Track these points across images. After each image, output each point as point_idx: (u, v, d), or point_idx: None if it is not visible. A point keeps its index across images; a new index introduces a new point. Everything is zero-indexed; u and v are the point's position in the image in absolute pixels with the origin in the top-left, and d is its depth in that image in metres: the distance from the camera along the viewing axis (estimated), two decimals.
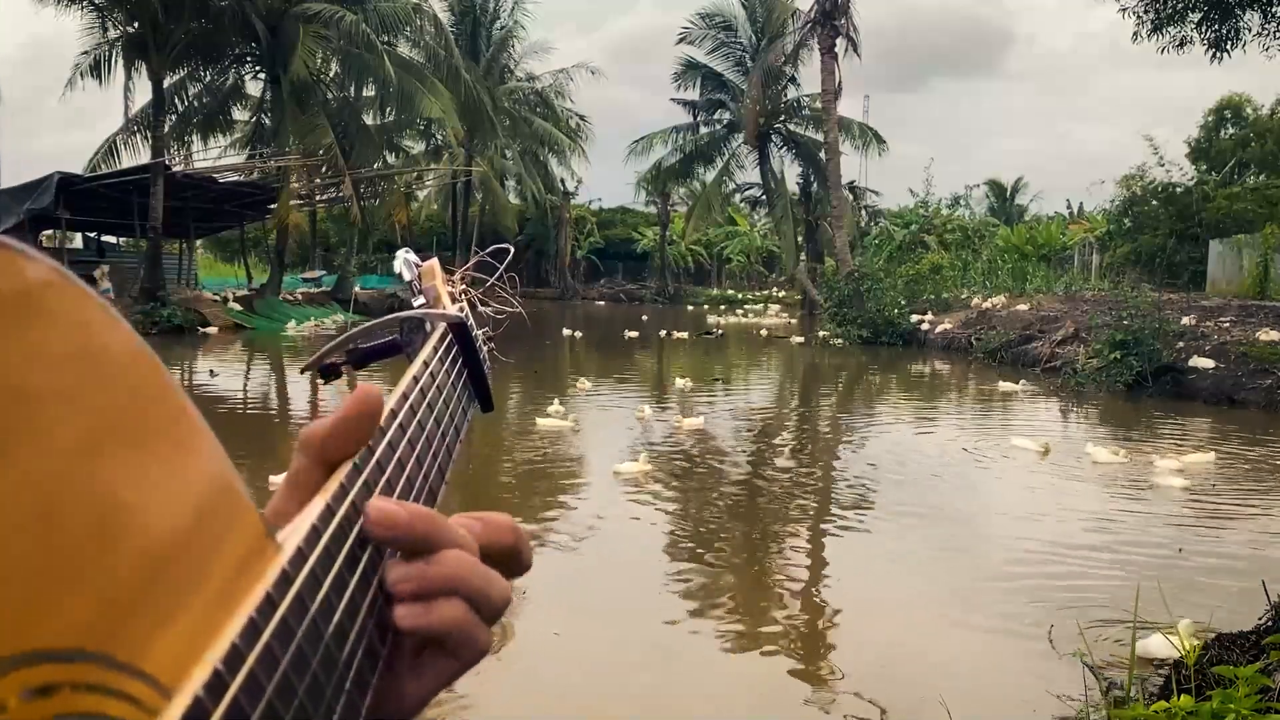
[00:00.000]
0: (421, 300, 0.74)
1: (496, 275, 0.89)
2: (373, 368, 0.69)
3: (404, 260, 0.79)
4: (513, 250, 0.91)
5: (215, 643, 0.26)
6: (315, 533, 0.33)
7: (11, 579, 0.22)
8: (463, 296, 0.78)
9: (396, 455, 0.43)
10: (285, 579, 0.30)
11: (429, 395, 0.53)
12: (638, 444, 8.08)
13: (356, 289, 29.30)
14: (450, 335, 0.65)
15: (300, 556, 0.31)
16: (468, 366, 0.66)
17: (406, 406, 0.48)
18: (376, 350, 0.68)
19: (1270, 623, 3.23)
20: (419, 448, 0.47)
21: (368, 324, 0.68)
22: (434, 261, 0.79)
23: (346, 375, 0.68)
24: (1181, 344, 12.69)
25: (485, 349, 0.71)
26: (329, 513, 0.34)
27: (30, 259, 0.24)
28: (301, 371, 0.66)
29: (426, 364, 0.56)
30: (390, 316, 0.68)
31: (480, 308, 0.82)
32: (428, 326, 0.67)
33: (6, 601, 0.21)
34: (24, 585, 0.22)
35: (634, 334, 22.91)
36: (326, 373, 0.66)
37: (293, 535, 0.32)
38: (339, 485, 0.36)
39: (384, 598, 0.36)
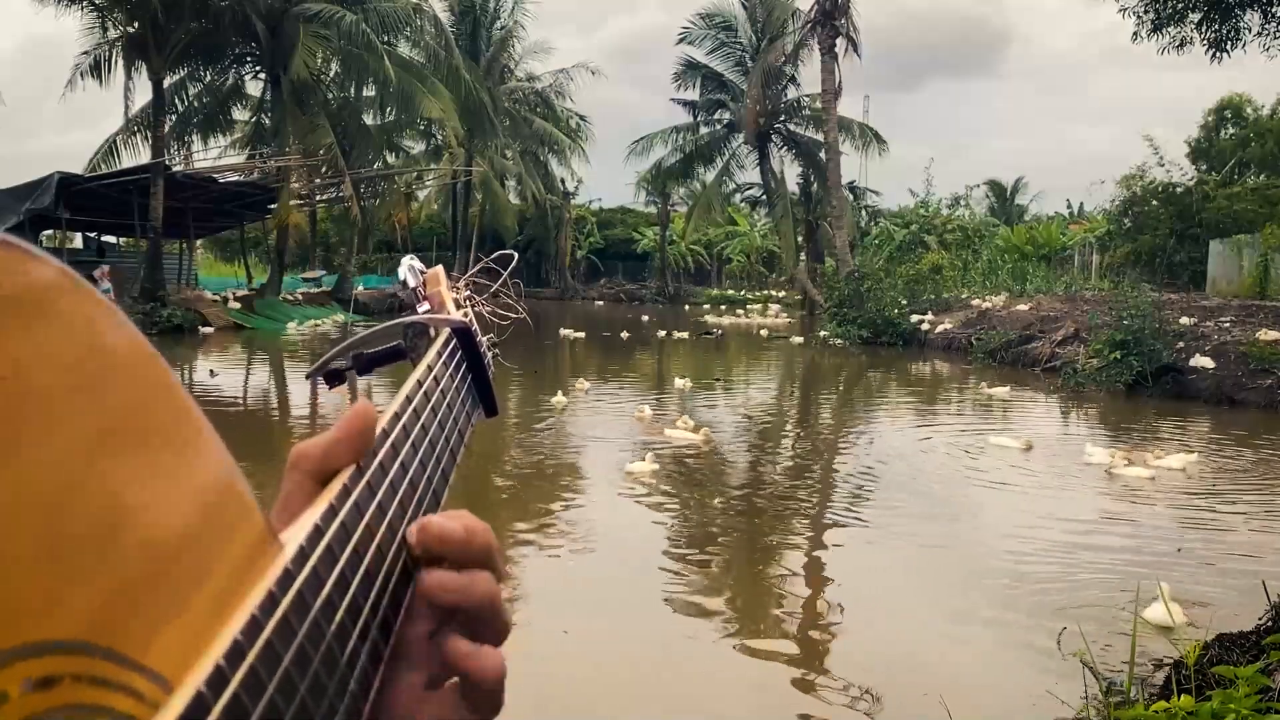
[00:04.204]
0: (426, 306, 0.74)
1: (500, 281, 0.89)
2: (377, 372, 0.70)
3: (408, 267, 0.79)
4: (516, 256, 0.92)
5: (217, 639, 0.26)
6: (318, 532, 0.33)
7: (15, 572, 0.22)
8: (467, 302, 0.78)
9: (400, 458, 0.43)
10: (288, 577, 0.30)
11: (432, 399, 0.54)
12: (640, 444, 8.09)
13: (358, 289, 29.30)
14: (454, 340, 0.65)
15: (303, 555, 0.31)
16: (472, 371, 0.66)
17: (410, 410, 0.48)
18: (381, 356, 0.69)
19: (1270, 623, 3.24)
20: (422, 450, 0.47)
21: (372, 330, 0.68)
22: (439, 268, 0.80)
23: (350, 381, 0.69)
24: (1181, 344, 12.69)
25: (489, 354, 0.71)
26: (332, 512, 0.34)
27: (37, 260, 0.24)
28: (306, 377, 0.67)
29: (430, 368, 0.57)
30: (394, 322, 0.69)
31: (484, 313, 0.83)
32: (432, 332, 0.67)
33: (9, 594, 0.22)
34: (27, 578, 0.22)
35: (631, 334, 22.88)
36: (331, 378, 0.66)
37: (296, 535, 0.32)
38: (342, 486, 0.36)
39: (389, 597, 0.37)
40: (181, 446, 0.28)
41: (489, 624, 0.38)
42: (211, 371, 13.95)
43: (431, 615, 0.39)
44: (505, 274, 0.90)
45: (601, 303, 42.17)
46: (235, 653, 0.26)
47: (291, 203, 25.80)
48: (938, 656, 3.93)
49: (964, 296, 22.95)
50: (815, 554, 5.48)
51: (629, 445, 8.23)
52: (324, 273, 33.30)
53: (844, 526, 5.99)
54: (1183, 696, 2.45)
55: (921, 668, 3.79)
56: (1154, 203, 28.07)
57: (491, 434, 8.40)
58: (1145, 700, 2.86)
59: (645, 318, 30.08)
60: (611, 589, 4.80)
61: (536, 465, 7.63)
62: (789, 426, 10.27)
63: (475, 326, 0.69)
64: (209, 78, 27.57)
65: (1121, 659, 3.49)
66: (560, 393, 10.62)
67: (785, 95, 35.82)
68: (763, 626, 4.27)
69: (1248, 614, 3.80)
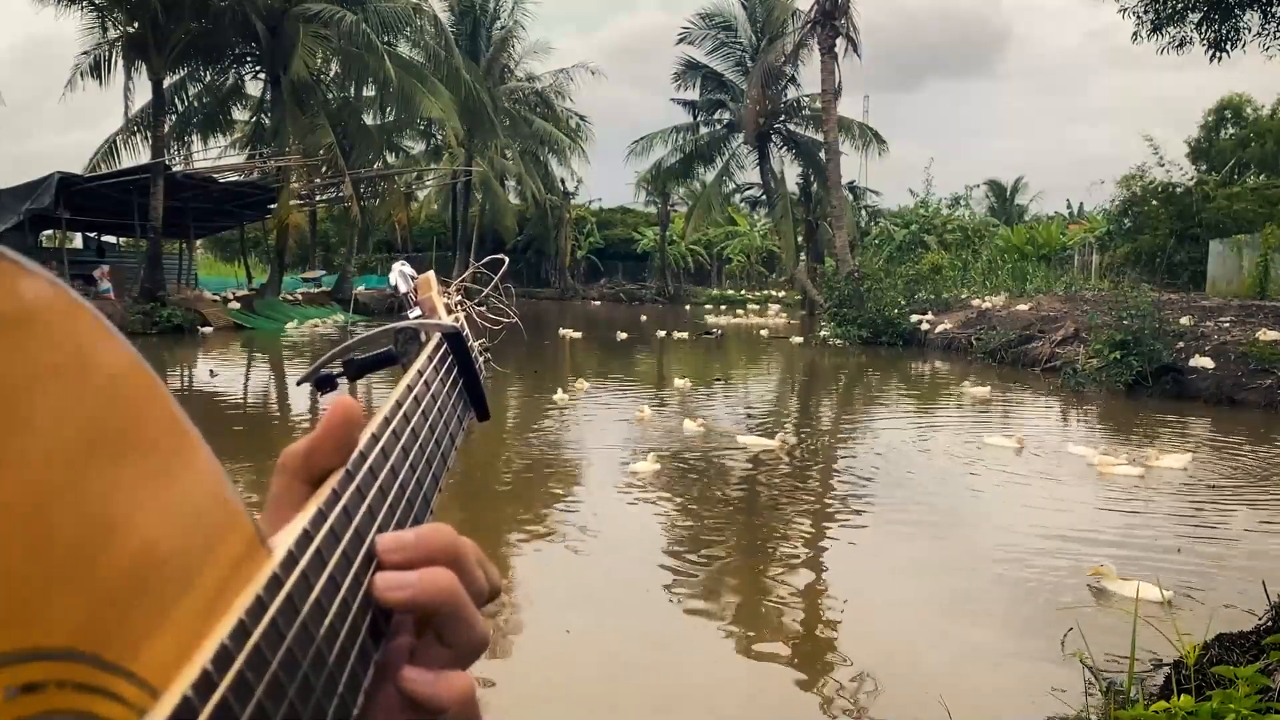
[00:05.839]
0: (417, 311, 0.74)
1: (491, 285, 0.89)
2: (369, 378, 0.70)
3: (399, 272, 0.79)
4: (507, 261, 0.92)
5: (205, 644, 0.26)
6: (307, 536, 0.33)
7: (2, 580, 0.22)
8: (458, 307, 0.78)
9: (389, 463, 0.43)
10: (276, 582, 0.30)
11: (423, 404, 0.53)
12: (641, 445, 8.09)
13: (358, 289, 29.31)
14: (445, 345, 0.65)
15: (291, 560, 0.31)
16: (463, 376, 0.66)
17: (400, 415, 0.48)
18: (372, 361, 0.69)
19: (1270, 623, 3.24)
20: (412, 455, 0.47)
21: (363, 335, 0.68)
22: (430, 274, 0.79)
23: (343, 387, 0.68)
24: (1181, 344, 12.68)
25: (481, 358, 0.71)
26: (321, 517, 0.34)
27: (29, 273, 0.24)
28: (298, 384, 0.67)
29: (421, 373, 0.56)
30: (385, 327, 0.68)
31: (475, 317, 0.82)
32: (423, 337, 0.67)
33: None
34: (13, 586, 0.22)
35: (631, 334, 22.87)
36: (322, 384, 0.66)
37: (284, 540, 0.32)
38: (331, 491, 0.36)
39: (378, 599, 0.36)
40: (169, 455, 0.29)
41: (454, 628, 0.37)
42: (211, 371, 13.96)
43: (410, 627, 0.38)
44: (496, 278, 0.90)
45: (599, 303, 42.16)
46: (222, 657, 0.26)
47: (291, 203, 25.80)
48: (937, 656, 3.93)
49: (964, 296, 22.95)
50: (815, 554, 5.48)
51: (630, 445, 8.23)
52: (324, 273, 33.34)
53: (843, 526, 5.99)
54: (1183, 696, 2.44)
55: (921, 667, 3.79)
56: (1154, 203, 28.05)
57: (493, 434, 8.40)
58: (1145, 700, 2.86)
59: (644, 318, 30.09)
60: (613, 589, 4.80)
61: (538, 465, 7.63)
62: (788, 426, 10.27)
63: (466, 331, 0.69)
64: (209, 78, 27.57)
65: (1122, 659, 3.48)
66: (560, 390, 10.73)
67: (785, 95, 35.81)
68: (763, 626, 4.27)
69: (1247, 614, 3.80)
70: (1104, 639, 3.80)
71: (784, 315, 32.88)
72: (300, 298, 27.22)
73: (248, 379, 14.19)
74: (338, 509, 0.36)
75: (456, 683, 0.36)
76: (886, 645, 4.05)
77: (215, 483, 0.30)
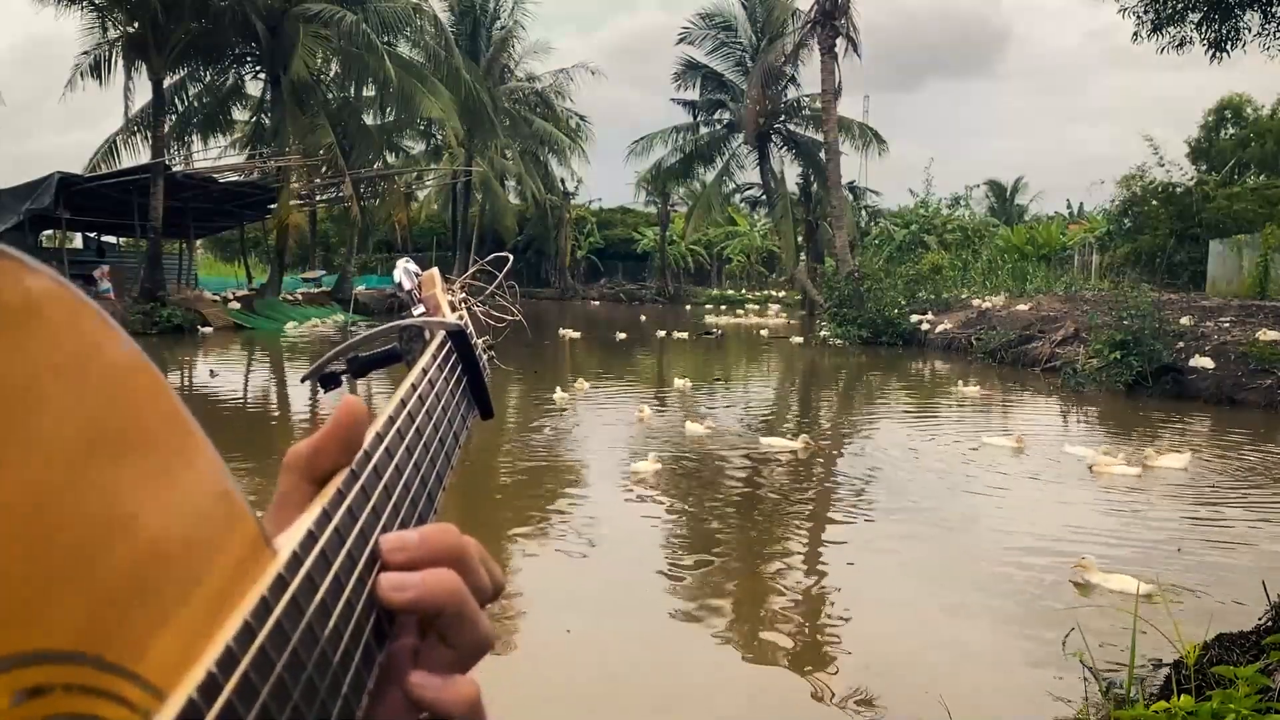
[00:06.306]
0: (421, 309, 0.74)
1: (496, 283, 0.89)
2: (373, 376, 0.70)
3: (404, 269, 0.79)
4: (511, 259, 0.92)
5: (210, 646, 0.26)
6: (311, 537, 0.33)
7: (3, 582, 0.22)
8: (462, 305, 0.78)
9: (394, 462, 0.43)
10: (281, 583, 0.30)
11: (427, 402, 0.53)
12: (641, 445, 8.09)
13: (358, 289, 29.29)
14: (449, 343, 0.65)
15: (296, 561, 0.31)
16: (467, 374, 0.66)
17: (404, 413, 0.48)
18: (376, 359, 0.69)
19: (1270, 623, 3.24)
20: (416, 454, 0.47)
21: (367, 333, 0.68)
22: (434, 270, 0.79)
23: (347, 384, 0.68)
24: (1181, 344, 12.68)
25: (485, 356, 0.71)
26: (326, 517, 0.34)
27: (32, 269, 0.24)
28: (302, 380, 0.67)
29: (425, 371, 0.56)
30: (390, 325, 0.68)
31: (479, 315, 0.82)
32: (427, 335, 0.67)
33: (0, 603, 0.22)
34: (16, 588, 0.22)
35: (631, 334, 22.86)
36: (327, 382, 0.66)
37: (289, 540, 0.32)
38: (336, 491, 0.36)
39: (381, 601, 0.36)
40: (173, 454, 0.28)
41: (458, 628, 0.37)
42: (212, 371, 13.96)
43: (414, 627, 0.38)
44: (501, 276, 0.90)
45: (599, 303, 42.15)
46: (228, 659, 0.26)
47: (291, 203, 25.79)
48: (937, 657, 3.93)
49: (964, 296, 22.95)
50: (815, 554, 5.48)
51: (630, 445, 8.23)
52: (324, 273, 33.31)
53: (843, 526, 5.99)
54: (1183, 696, 2.44)
55: (921, 668, 3.79)
56: (1154, 203, 28.05)
57: (493, 433, 8.40)
58: (1145, 700, 2.86)
59: (644, 318, 30.09)
60: (614, 589, 4.80)
61: (538, 464, 7.63)
62: (788, 427, 10.27)
63: (470, 329, 0.69)
64: (209, 78, 27.56)
65: (1121, 659, 3.48)
66: (560, 389, 10.75)
67: (785, 95, 35.79)
68: (763, 626, 4.27)
69: (1247, 614, 3.80)
70: (1103, 639, 3.81)
71: (784, 315, 32.88)
72: (300, 298, 27.20)
73: (248, 379, 14.18)
74: (342, 509, 0.36)
75: (464, 689, 0.36)
76: (886, 645, 4.05)
77: (219, 481, 0.30)
